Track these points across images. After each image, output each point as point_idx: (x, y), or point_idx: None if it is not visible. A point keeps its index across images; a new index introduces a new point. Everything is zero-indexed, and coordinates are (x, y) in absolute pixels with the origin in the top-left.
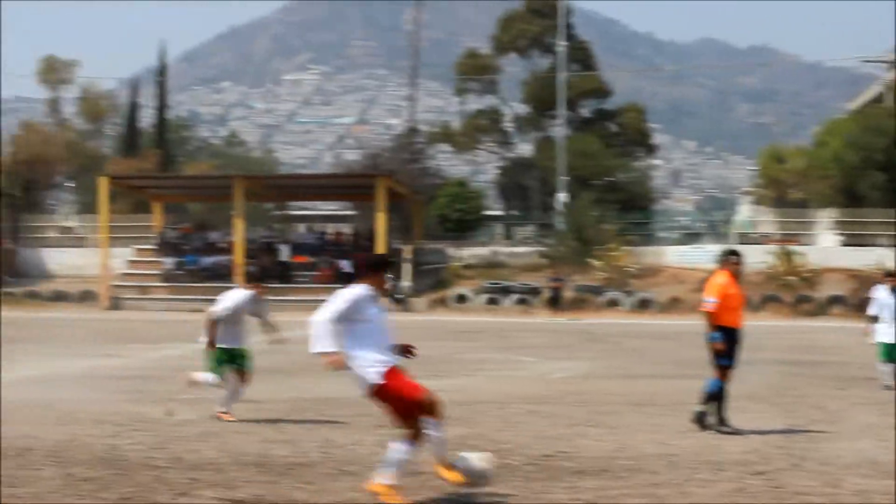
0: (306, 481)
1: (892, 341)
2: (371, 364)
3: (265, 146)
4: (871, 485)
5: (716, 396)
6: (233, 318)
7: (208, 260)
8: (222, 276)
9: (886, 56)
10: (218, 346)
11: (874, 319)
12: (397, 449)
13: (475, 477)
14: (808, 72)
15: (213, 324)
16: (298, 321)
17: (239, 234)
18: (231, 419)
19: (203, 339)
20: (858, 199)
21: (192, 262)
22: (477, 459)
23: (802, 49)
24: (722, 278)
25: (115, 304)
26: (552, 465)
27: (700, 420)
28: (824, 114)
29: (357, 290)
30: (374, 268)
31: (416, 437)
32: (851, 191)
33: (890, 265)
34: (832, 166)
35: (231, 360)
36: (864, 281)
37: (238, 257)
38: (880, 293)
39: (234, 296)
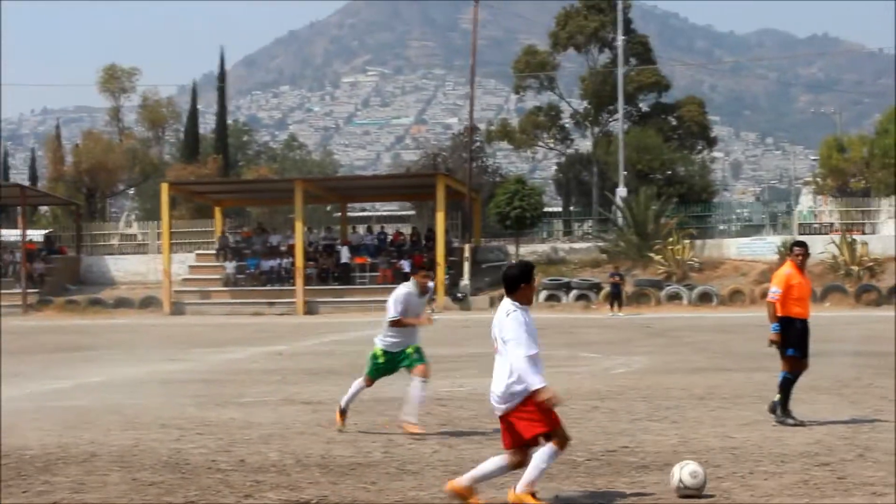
0: (369, 481)
1: None
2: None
3: (324, 149)
4: None
5: (786, 388)
6: (408, 314)
7: (269, 263)
8: (283, 279)
9: None
10: (382, 348)
11: None
12: (542, 457)
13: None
14: (869, 60)
15: (400, 321)
16: (360, 322)
17: (299, 236)
18: (420, 431)
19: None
20: None
21: (253, 266)
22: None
23: (863, 37)
24: (787, 269)
25: (178, 309)
26: (615, 460)
27: (774, 410)
28: (886, 102)
29: (517, 313)
30: (519, 280)
31: (560, 445)
32: None
33: None
34: (894, 155)
35: (394, 365)
36: None
37: (298, 260)
38: None
39: (400, 294)
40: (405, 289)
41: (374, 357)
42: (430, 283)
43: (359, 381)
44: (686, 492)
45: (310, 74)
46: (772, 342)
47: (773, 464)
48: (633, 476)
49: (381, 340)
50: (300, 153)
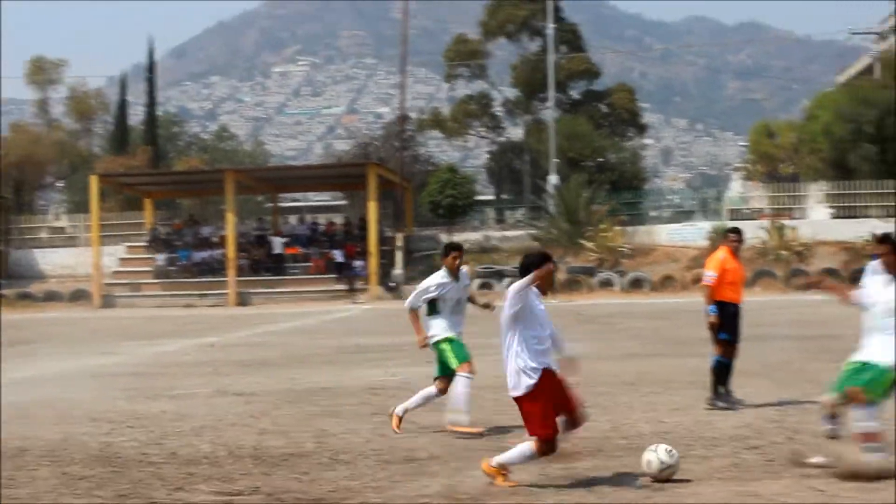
0: (301, 472)
1: None
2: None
3: (255, 139)
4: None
5: (718, 371)
6: (448, 302)
7: (200, 255)
8: (215, 270)
9: (875, 28)
10: (445, 336)
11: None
12: (523, 451)
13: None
14: (797, 46)
15: (415, 315)
16: (292, 312)
17: (230, 227)
18: (475, 431)
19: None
20: (849, 171)
21: (185, 258)
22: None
23: (791, 24)
24: (722, 254)
25: (108, 302)
26: None
27: (716, 395)
28: (814, 88)
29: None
30: (528, 268)
31: (539, 451)
32: (842, 164)
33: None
34: (822, 140)
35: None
36: (855, 253)
37: (230, 251)
38: (875, 265)
39: (431, 283)
40: (438, 278)
41: (444, 350)
42: (464, 268)
43: (429, 389)
44: (669, 470)
45: (240, 65)
46: (711, 324)
47: (704, 447)
48: (565, 461)
49: (440, 332)
50: (231, 144)
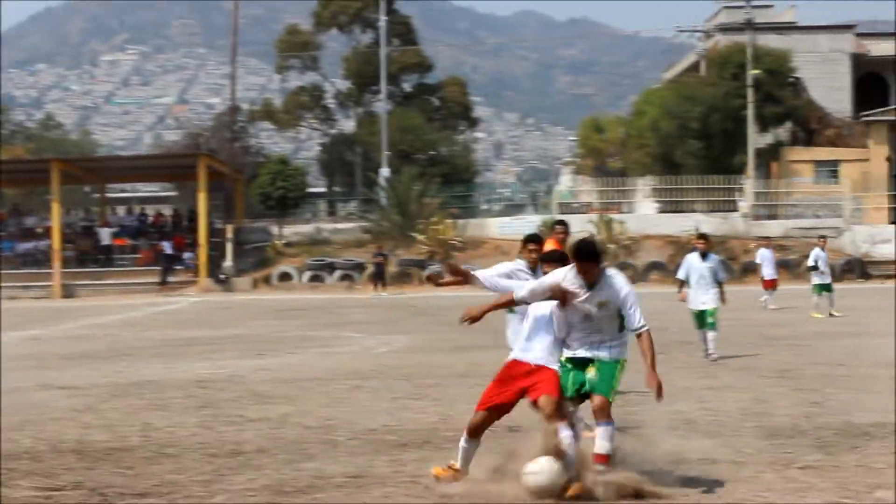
0: (126, 466)
1: (700, 308)
2: None
3: (83, 128)
4: (685, 445)
5: None
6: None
7: (24, 246)
8: (39, 261)
9: (701, 26)
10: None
11: (682, 283)
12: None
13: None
14: (626, 42)
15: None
16: (119, 305)
17: (56, 218)
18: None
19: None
20: (675, 166)
21: (8, 249)
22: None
23: (620, 20)
24: (549, 247)
25: None
26: (376, 438)
27: None
28: (642, 84)
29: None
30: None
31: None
32: (668, 159)
33: (704, 230)
34: (650, 135)
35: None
36: (681, 247)
37: (55, 242)
38: (692, 257)
39: (506, 267)
40: (514, 265)
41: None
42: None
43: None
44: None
45: (68, 52)
46: None
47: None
48: (392, 454)
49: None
50: (58, 133)
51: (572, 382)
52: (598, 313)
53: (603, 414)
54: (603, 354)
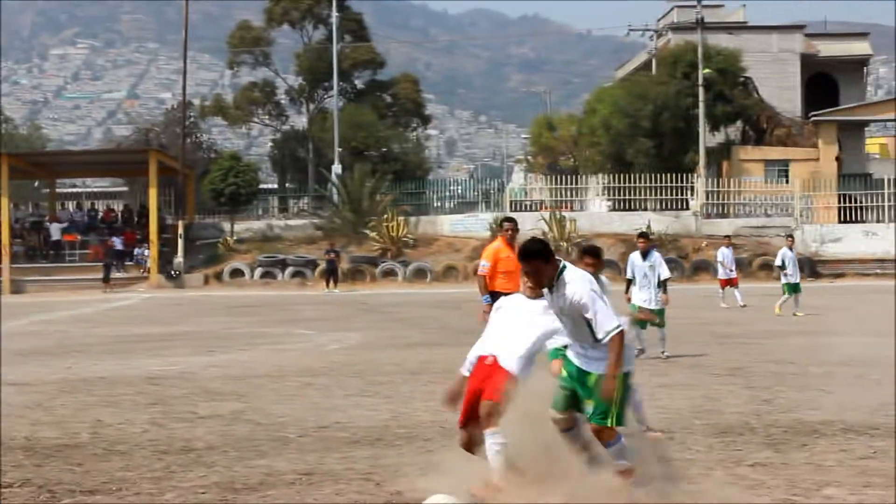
0: (75, 463)
1: (641, 306)
2: None
3: (32, 123)
4: (635, 444)
5: None
6: None
7: None
8: None
9: (652, 25)
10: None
11: (629, 282)
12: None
13: None
14: (578, 41)
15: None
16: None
17: (4, 213)
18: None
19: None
20: (627, 165)
21: None
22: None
23: (572, 19)
24: (497, 244)
25: None
26: (327, 436)
27: None
28: (594, 82)
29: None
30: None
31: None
32: (620, 157)
33: (655, 228)
34: (601, 133)
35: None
36: (631, 246)
37: (4, 237)
38: (634, 256)
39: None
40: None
41: None
42: (603, 277)
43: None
44: None
45: (17, 46)
46: (485, 314)
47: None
48: (344, 451)
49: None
50: (6, 127)
51: (563, 402)
52: (565, 320)
53: (602, 437)
54: (594, 369)
